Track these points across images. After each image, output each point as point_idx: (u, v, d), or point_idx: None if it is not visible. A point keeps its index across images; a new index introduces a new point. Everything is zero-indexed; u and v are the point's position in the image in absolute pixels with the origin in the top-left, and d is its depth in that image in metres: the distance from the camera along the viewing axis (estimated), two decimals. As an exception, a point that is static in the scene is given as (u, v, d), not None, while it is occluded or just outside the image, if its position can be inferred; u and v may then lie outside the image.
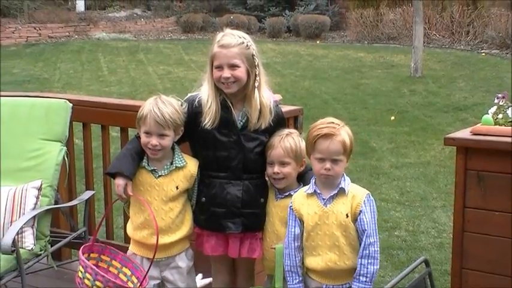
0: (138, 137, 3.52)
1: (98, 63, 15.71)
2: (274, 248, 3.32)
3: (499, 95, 3.36)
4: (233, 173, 3.43)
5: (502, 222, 3.17)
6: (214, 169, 3.45)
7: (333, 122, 3.21)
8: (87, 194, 4.41)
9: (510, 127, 3.16)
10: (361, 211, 3.15)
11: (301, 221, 3.26)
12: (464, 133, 3.27)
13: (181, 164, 3.47)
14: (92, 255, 3.45)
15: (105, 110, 4.56)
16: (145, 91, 12.62)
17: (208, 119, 3.42)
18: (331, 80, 13.56)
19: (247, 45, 3.41)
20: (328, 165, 3.15)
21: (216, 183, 3.45)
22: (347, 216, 3.15)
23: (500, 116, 3.21)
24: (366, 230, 3.13)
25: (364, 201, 3.17)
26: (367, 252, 3.12)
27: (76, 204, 4.52)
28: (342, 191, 3.19)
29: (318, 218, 3.19)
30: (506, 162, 3.13)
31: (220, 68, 3.40)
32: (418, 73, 13.16)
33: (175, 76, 13.99)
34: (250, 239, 3.48)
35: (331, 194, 3.19)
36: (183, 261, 3.52)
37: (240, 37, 3.43)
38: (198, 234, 3.57)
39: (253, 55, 3.43)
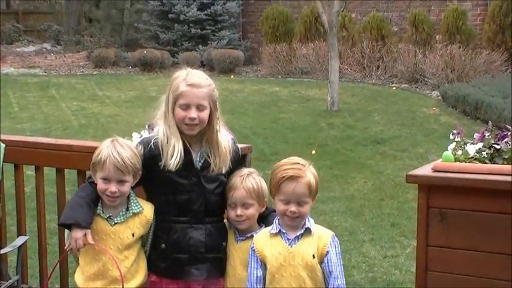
0: (90, 183, 3.33)
1: (7, 99, 15.13)
2: None
3: (454, 132, 3.36)
4: (195, 216, 3.29)
5: (466, 260, 3.15)
6: (175, 214, 3.30)
7: (298, 163, 3.14)
8: (20, 240, 4.17)
9: (471, 164, 3.16)
10: (328, 252, 3.09)
11: (264, 264, 3.14)
12: (426, 170, 3.25)
13: (138, 210, 3.30)
14: None
15: (39, 150, 4.33)
16: (60, 128, 12.27)
17: (173, 161, 3.26)
18: (248, 115, 13.54)
19: (213, 88, 3.34)
20: (293, 208, 3.08)
21: (177, 228, 3.29)
22: (313, 257, 3.07)
23: (460, 152, 3.21)
24: (332, 271, 3.06)
25: (330, 242, 3.12)
26: None
27: (7, 252, 4.26)
28: (307, 231, 3.11)
29: (283, 258, 3.10)
30: (469, 199, 3.12)
31: (187, 107, 3.26)
32: (335, 107, 13.31)
33: (90, 112, 13.65)
34: (214, 285, 3.34)
35: (297, 234, 3.12)
36: (138, 312, 3.34)
37: (207, 78, 3.36)
38: (154, 282, 3.38)
39: (216, 98, 3.34)
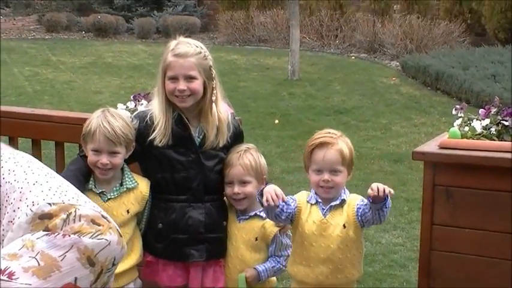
0: (81, 156, 3.13)
1: (-45, 63, 14.62)
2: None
3: (457, 107, 3.26)
4: (194, 195, 3.12)
5: (472, 239, 3.06)
6: (173, 192, 3.13)
7: (330, 132, 3.03)
8: None
9: (479, 141, 3.06)
10: (358, 208, 2.97)
11: (296, 222, 3.03)
12: (432, 147, 3.14)
13: (132, 185, 3.12)
14: None
15: (13, 120, 4.07)
16: (13, 94, 11.88)
17: (157, 135, 3.09)
18: (208, 83, 13.33)
19: (204, 56, 3.13)
20: (326, 176, 2.95)
21: (175, 208, 3.12)
22: (344, 226, 2.96)
23: (467, 128, 3.11)
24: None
25: (358, 202, 3.01)
26: None
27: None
28: (342, 203, 3.00)
29: (315, 228, 2.99)
30: (476, 177, 3.03)
31: (175, 79, 3.08)
32: (296, 76, 13.18)
33: (45, 78, 13.25)
34: (213, 267, 3.18)
35: (332, 204, 2.99)
36: (132, 292, 3.18)
37: (197, 46, 3.14)
38: (150, 263, 3.22)
39: (210, 66, 3.15)
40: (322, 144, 2.98)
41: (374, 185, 2.85)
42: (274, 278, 3.34)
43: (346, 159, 2.99)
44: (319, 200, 3.03)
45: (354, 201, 3.04)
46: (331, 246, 2.98)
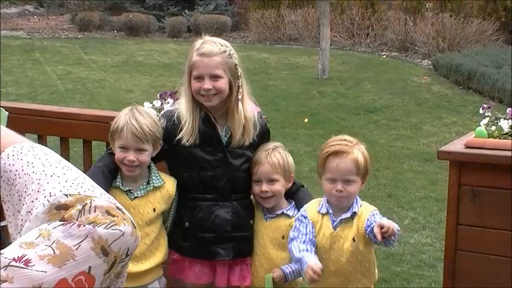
0: (109, 154, 3.16)
1: (-11, 61, 14.83)
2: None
3: (484, 106, 3.24)
4: (221, 194, 3.13)
5: (499, 240, 3.04)
6: (200, 191, 3.14)
7: (345, 139, 2.97)
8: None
9: (506, 140, 3.03)
10: (368, 225, 2.88)
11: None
12: (458, 146, 3.12)
13: (159, 184, 3.14)
14: None
15: (43, 118, 4.13)
16: (46, 92, 12.02)
17: (184, 135, 3.10)
18: (238, 82, 13.33)
19: (229, 54, 3.13)
20: (339, 186, 2.89)
21: (202, 206, 3.13)
22: (354, 240, 2.92)
23: (493, 128, 3.08)
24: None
25: (368, 217, 2.92)
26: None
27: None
28: (353, 215, 2.95)
29: (326, 241, 2.96)
30: (503, 177, 3.00)
31: (200, 78, 3.09)
32: (326, 75, 13.15)
33: (76, 76, 13.39)
34: (240, 265, 3.19)
35: (342, 217, 2.95)
36: (157, 290, 3.20)
37: (222, 45, 3.14)
38: (176, 261, 3.24)
39: (235, 65, 3.15)
40: (337, 153, 2.91)
41: (385, 223, 2.75)
42: (300, 279, 3.34)
43: (360, 168, 2.92)
44: (330, 211, 2.98)
45: (365, 213, 2.95)
46: (341, 259, 2.94)
